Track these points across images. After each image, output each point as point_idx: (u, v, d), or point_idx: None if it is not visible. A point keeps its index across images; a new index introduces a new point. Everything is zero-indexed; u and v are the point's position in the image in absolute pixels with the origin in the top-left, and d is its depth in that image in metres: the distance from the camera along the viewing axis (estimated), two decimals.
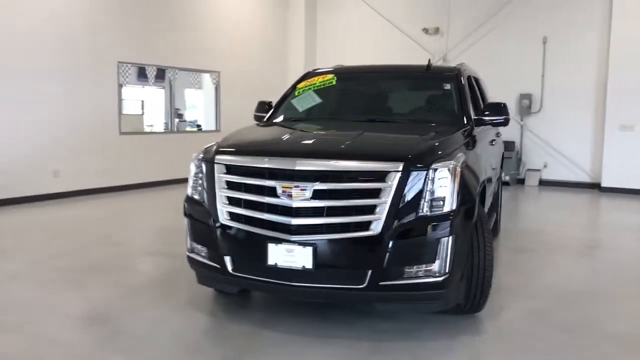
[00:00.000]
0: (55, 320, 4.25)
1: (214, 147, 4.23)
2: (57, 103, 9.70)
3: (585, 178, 12.18)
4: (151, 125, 14.86)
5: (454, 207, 3.73)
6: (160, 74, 12.57)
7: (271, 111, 5.44)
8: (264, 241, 3.78)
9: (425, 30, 13.58)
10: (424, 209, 3.69)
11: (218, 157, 4.09)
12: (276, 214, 3.77)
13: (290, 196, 3.72)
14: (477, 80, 6.35)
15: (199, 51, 12.42)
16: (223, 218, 3.96)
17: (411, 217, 3.67)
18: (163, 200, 10.14)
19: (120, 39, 10.70)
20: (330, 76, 5.57)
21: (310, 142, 4.30)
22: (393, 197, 3.65)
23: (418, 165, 3.71)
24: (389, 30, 13.99)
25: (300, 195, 3.70)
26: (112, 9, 10.53)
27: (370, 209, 3.66)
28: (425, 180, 3.70)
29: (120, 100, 10.86)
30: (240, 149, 4.15)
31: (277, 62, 14.69)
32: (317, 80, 5.56)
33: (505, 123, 5.10)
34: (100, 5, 10.30)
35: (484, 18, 12.86)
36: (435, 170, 3.73)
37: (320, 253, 3.68)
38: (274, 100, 5.65)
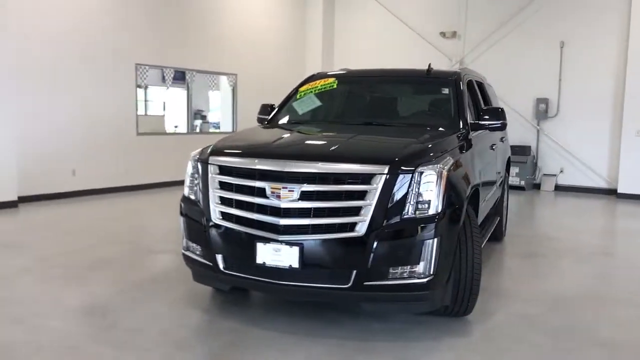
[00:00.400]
0: (56, 313, 4.41)
1: (210, 148, 4.36)
2: (76, 104, 9.97)
3: (601, 184, 12.05)
4: (176, 126, 15.08)
5: (440, 210, 3.78)
6: (181, 76, 12.79)
7: (272, 113, 5.55)
8: (253, 240, 3.88)
9: (443, 34, 13.59)
10: (409, 211, 3.76)
11: (212, 157, 4.21)
12: (265, 214, 3.87)
13: (278, 197, 3.82)
14: (480, 84, 6.37)
15: (217, 54, 12.63)
16: (215, 217, 4.08)
17: (396, 219, 3.74)
18: (176, 200, 10.20)
19: (138, 41, 10.95)
20: (331, 80, 5.66)
21: (300, 144, 4.42)
22: (378, 199, 3.72)
23: (403, 168, 3.78)
24: (407, 34, 14.02)
25: (288, 196, 3.79)
26: (131, 11, 10.77)
27: (356, 211, 3.73)
28: (410, 182, 3.77)
29: (137, 101, 11.10)
30: (233, 151, 4.26)
31: (294, 63, 14.81)
32: (318, 84, 5.65)
33: (502, 127, 5.13)
34: (119, 8, 10.56)
35: (501, 22, 12.82)
36: (422, 173, 3.79)
37: (306, 253, 3.76)
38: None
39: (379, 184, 3.73)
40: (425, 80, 5.60)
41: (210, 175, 4.16)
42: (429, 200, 3.78)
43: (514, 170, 12.42)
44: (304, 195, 3.78)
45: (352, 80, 5.91)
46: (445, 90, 5.30)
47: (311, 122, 5.49)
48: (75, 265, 5.72)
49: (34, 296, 4.84)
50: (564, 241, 7.48)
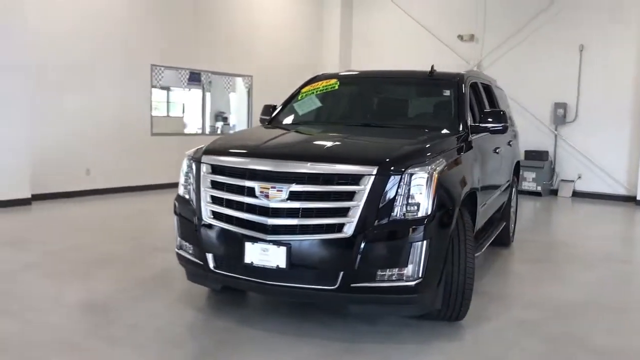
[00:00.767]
0: (53, 308, 4.47)
1: (204, 148, 4.38)
2: (91, 104, 10.11)
3: (620, 190, 11.81)
4: (200, 128, 15.17)
5: (430, 212, 3.74)
6: (199, 78, 12.85)
7: (274, 114, 5.56)
8: (241, 240, 3.88)
9: (460, 37, 13.47)
10: (398, 213, 3.72)
11: (204, 157, 4.23)
12: (254, 213, 3.87)
13: (267, 197, 3.81)
14: (488, 87, 6.29)
15: (232, 55, 12.69)
16: (206, 216, 4.09)
17: (384, 220, 3.71)
18: None
19: (153, 42, 11.07)
20: (333, 81, 5.65)
21: (291, 144, 4.42)
22: (366, 200, 3.69)
23: (392, 170, 3.75)
24: (424, 36, 13.92)
25: (277, 196, 3.79)
26: (147, 12, 10.90)
27: (344, 212, 3.71)
28: (400, 184, 3.73)
29: (152, 101, 11.23)
30: (225, 150, 4.28)
31: (311, 65, 14.73)
32: (320, 85, 5.65)
33: (503, 130, 5.06)
34: (134, 9, 10.69)
35: (520, 25, 12.66)
36: (412, 174, 3.76)
37: (294, 253, 3.75)
38: None
39: (367, 185, 3.70)
40: (427, 82, 5.56)
41: (202, 174, 4.18)
42: (419, 202, 3.74)
43: (530, 175, 12.28)
44: (293, 195, 3.77)
45: (353, 82, 5.90)
46: (447, 92, 5.25)
47: (310, 122, 5.48)
48: (79, 261, 5.79)
49: (35, 291, 4.90)
50: (574, 247, 7.34)
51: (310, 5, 14.75)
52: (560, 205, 11.44)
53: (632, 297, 5.30)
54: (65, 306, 4.52)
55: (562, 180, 12.49)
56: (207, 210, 4.10)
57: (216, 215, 4.06)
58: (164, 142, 11.57)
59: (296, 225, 3.76)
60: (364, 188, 3.70)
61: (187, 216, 4.27)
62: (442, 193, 3.85)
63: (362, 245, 3.67)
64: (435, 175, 3.79)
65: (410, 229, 3.71)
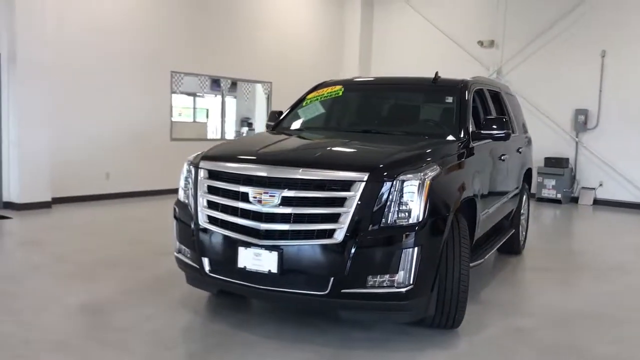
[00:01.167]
0: (53, 309, 4.57)
1: (203, 153, 4.45)
2: (111, 109, 10.30)
3: None
4: (226, 133, 15.35)
5: (421, 219, 3.74)
6: (219, 84, 13.00)
7: (278, 120, 5.61)
8: (235, 244, 3.93)
9: (480, 43, 13.37)
10: (389, 219, 3.73)
11: (202, 162, 4.30)
12: (248, 219, 3.92)
13: (260, 202, 3.86)
14: (496, 94, 6.25)
15: (252, 62, 12.80)
16: (203, 221, 4.15)
17: (375, 226, 3.72)
18: None
19: (174, 49, 11.24)
20: (337, 87, 5.69)
21: (286, 150, 4.45)
22: (357, 207, 3.71)
23: (384, 176, 3.76)
24: (444, 42, 13.86)
25: (270, 202, 3.83)
26: (168, 19, 11.08)
27: (335, 217, 3.73)
28: (391, 190, 3.74)
29: (172, 107, 11.40)
30: (222, 155, 4.34)
31: (331, 71, 14.78)
32: (325, 91, 5.69)
33: (505, 137, 5.02)
34: (156, 15, 10.88)
35: (540, 31, 12.51)
36: (403, 181, 3.76)
37: (285, 258, 3.78)
38: None
39: (357, 191, 3.72)
40: (431, 89, 5.54)
41: (200, 179, 4.25)
42: (410, 209, 3.74)
43: (550, 182, 12.11)
44: (285, 201, 3.81)
45: (358, 89, 5.92)
46: (450, 99, 5.23)
47: (313, 128, 5.53)
48: (87, 263, 5.91)
49: (38, 291, 5.03)
50: (586, 256, 7.23)
51: (330, 13, 14.82)
52: (580, 213, 11.25)
53: (638, 308, 5.19)
54: (64, 308, 4.62)
55: (583, 187, 12.28)
56: (203, 214, 4.16)
57: (212, 220, 4.12)
58: (184, 147, 11.69)
59: (288, 231, 3.80)
60: (354, 194, 3.72)
61: (185, 220, 4.34)
62: (435, 200, 3.84)
63: (353, 251, 3.68)
64: (428, 181, 3.79)
65: (402, 236, 3.71)
